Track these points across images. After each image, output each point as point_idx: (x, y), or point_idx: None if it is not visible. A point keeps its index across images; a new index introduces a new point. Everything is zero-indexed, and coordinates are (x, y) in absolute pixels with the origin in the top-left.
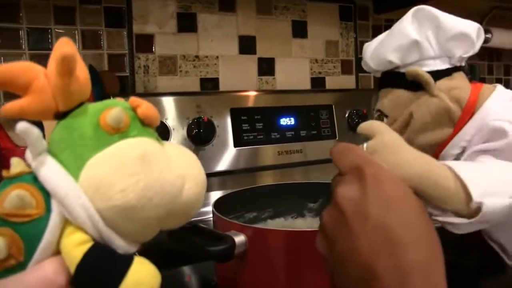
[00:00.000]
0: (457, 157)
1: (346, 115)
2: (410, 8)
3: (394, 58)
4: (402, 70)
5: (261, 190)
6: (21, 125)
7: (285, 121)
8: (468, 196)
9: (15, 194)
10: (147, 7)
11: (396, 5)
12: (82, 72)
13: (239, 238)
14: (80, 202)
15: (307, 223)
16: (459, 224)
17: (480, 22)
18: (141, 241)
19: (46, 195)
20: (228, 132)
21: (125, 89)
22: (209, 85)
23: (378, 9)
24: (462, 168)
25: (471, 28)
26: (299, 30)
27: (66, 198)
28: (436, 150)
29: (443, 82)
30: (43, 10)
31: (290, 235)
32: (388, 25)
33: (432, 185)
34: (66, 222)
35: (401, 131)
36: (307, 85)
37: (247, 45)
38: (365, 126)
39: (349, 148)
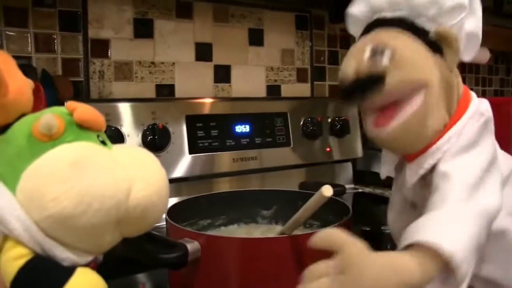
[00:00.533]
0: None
1: (301, 122)
2: None
3: (447, 3)
4: (424, 25)
5: (215, 197)
6: None
7: (241, 128)
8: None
9: None
10: (103, 12)
11: None
12: (17, 83)
13: (192, 246)
14: (15, 215)
15: (261, 230)
16: None
17: None
18: (96, 251)
19: None
20: (183, 139)
21: (79, 95)
22: (165, 91)
23: (333, 18)
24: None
25: (480, 38)
26: (256, 38)
27: (1, 211)
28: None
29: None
30: None
31: (244, 242)
32: (343, 34)
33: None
34: (5, 237)
35: (406, 91)
36: (263, 93)
37: (203, 52)
38: (322, 238)
39: None
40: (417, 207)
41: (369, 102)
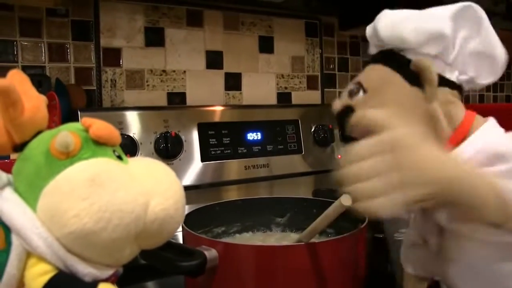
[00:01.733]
0: None
1: (312, 130)
2: None
3: (412, 38)
4: (408, 56)
5: (230, 205)
6: None
7: (252, 135)
8: None
9: None
10: (115, 21)
11: (360, 22)
12: (32, 101)
13: (211, 253)
14: (37, 232)
15: (275, 238)
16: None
17: None
18: (116, 265)
19: (7, 229)
20: (195, 146)
21: (92, 103)
22: (176, 99)
23: (343, 25)
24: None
25: (502, 57)
26: (266, 46)
27: (23, 230)
28: None
29: (443, 92)
30: (8, 21)
31: (261, 250)
32: (353, 41)
33: (464, 191)
34: (29, 254)
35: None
36: (273, 100)
37: (214, 60)
38: (368, 117)
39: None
40: (427, 242)
41: (351, 131)
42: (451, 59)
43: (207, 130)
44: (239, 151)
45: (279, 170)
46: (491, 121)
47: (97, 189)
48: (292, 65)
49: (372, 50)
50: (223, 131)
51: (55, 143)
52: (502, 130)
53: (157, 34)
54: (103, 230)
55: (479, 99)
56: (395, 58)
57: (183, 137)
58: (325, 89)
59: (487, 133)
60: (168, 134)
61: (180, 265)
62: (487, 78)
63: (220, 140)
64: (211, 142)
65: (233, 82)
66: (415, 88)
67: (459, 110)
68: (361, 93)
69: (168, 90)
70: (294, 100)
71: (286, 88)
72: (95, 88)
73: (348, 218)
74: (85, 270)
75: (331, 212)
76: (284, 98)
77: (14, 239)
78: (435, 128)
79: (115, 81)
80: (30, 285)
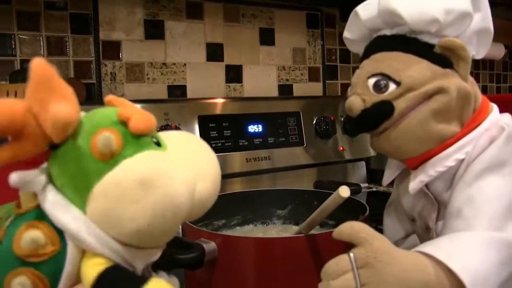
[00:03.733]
0: (458, 165)
1: (314, 122)
2: None
3: (442, 18)
4: (424, 39)
5: (230, 197)
6: (13, 179)
7: (253, 128)
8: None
9: (29, 237)
10: (114, 14)
11: None
12: (73, 103)
13: (209, 246)
14: (94, 234)
15: (276, 230)
16: None
17: None
18: (163, 245)
19: (59, 229)
20: None
21: (92, 97)
22: (177, 92)
23: (345, 17)
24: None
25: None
26: (267, 38)
27: (80, 233)
28: (435, 148)
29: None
30: (5, 14)
31: (260, 242)
32: None
33: None
34: (84, 251)
35: (415, 104)
36: (275, 92)
37: (214, 52)
38: (345, 231)
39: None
40: (415, 221)
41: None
42: (468, 35)
43: (208, 123)
44: (240, 144)
45: (280, 163)
46: (495, 106)
47: (148, 190)
48: (293, 57)
49: (360, 33)
50: (224, 124)
51: (97, 145)
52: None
53: (157, 27)
54: (158, 225)
55: (482, 89)
56: (414, 44)
57: (183, 130)
58: (327, 81)
59: (497, 116)
60: (169, 127)
61: (178, 258)
62: (481, 53)
63: (221, 132)
64: (212, 135)
65: (234, 74)
66: (447, 69)
67: (479, 93)
68: (392, 85)
69: (168, 83)
70: (296, 92)
71: (287, 80)
72: (94, 81)
73: (349, 209)
74: (139, 258)
75: (329, 203)
76: (285, 90)
77: (68, 239)
78: (465, 105)
79: (115, 74)
80: (85, 274)
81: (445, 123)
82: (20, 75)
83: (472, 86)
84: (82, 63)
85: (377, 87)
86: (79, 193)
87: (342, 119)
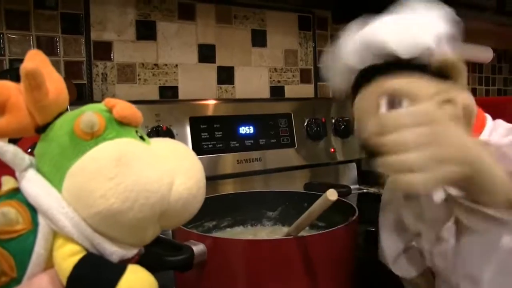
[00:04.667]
0: None
1: (305, 123)
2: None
3: (434, 44)
4: (421, 61)
5: (221, 199)
6: (4, 148)
7: (244, 129)
8: None
9: (0, 213)
10: (105, 14)
11: (354, 15)
12: (54, 83)
13: (198, 248)
14: (63, 212)
15: (266, 232)
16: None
17: None
18: (140, 244)
19: (33, 210)
20: (187, 140)
21: (83, 97)
22: (168, 93)
23: (337, 19)
24: None
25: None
26: (259, 39)
27: (50, 210)
28: None
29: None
30: None
31: (249, 244)
32: None
33: (485, 171)
34: (56, 234)
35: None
36: (266, 94)
37: (206, 53)
38: (402, 84)
39: None
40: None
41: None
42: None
43: (199, 124)
44: (232, 145)
45: (272, 164)
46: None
47: (123, 169)
48: (285, 58)
49: (356, 60)
50: (215, 125)
51: (80, 124)
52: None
53: (148, 28)
54: (129, 210)
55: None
56: (408, 66)
57: (174, 131)
58: (318, 83)
59: (492, 122)
60: (160, 128)
61: (167, 260)
62: None
63: (212, 134)
64: (203, 136)
65: (225, 76)
66: (447, 85)
67: (473, 103)
68: (405, 102)
69: (160, 84)
70: (287, 94)
71: (279, 81)
72: (85, 82)
73: (339, 211)
74: (111, 249)
75: (317, 206)
76: (277, 92)
77: (41, 220)
78: (468, 118)
79: (106, 74)
80: (60, 265)
81: None
82: (9, 75)
83: (470, 96)
84: (73, 64)
85: (391, 106)
86: (57, 172)
87: (333, 120)
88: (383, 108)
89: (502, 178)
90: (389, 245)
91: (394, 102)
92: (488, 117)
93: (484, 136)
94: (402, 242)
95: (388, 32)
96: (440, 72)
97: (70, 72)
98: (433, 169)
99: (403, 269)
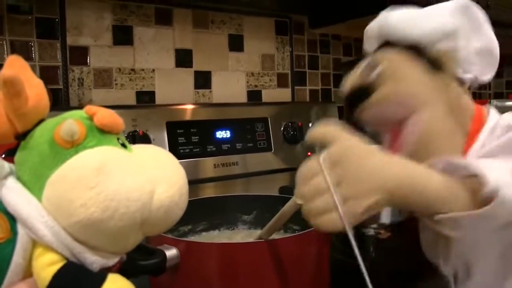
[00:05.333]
0: None
1: (282, 127)
2: (344, 24)
3: (427, 36)
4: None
5: (196, 203)
6: None
7: (221, 134)
8: (478, 186)
9: None
10: (81, 19)
11: (330, 20)
12: (34, 89)
13: (171, 252)
14: (43, 221)
15: (241, 236)
16: (462, 221)
17: None
18: (121, 252)
19: (12, 219)
20: (164, 145)
21: (59, 102)
22: (145, 98)
23: (313, 24)
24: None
25: (498, 51)
26: (236, 44)
27: (29, 219)
28: None
29: (455, 86)
30: None
31: (221, 247)
32: (322, 39)
33: (416, 190)
34: (35, 244)
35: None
36: (244, 98)
37: (183, 58)
38: (318, 133)
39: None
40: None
41: (362, 115)
42: (457, 57)
43: (176, 129)
44: (209, 150)
45: (249, 168)
46: (491, 109)
47: (104, 178)
48: (262, 63)
49: (372, 45)
50: (192, 130)
51: (60, 132)
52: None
53: (125, 33)
54: (110, 219)
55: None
56: (416, 47)
57: (151, 136)
58: (296, 87)
59: (499, 117)
60: (136, 133)
61: (139, 264)
62: (487, 74)
63: (189, 138)
64: (180, 141)
65: (202, 80)
66: (436, 77)
67: (471, 102)
68: (376, 71)
69: (137, 89)
70: (265, 98)
71: (256, 86)
72: (61, 87)
73: None
74: (92, 258)
75: (286, 210)
76: (254, 96)
77: (20, 229)
78: (459, 114)
79: (83, 80)
80: (39, 275)
81: (448, 139)
82: None
83: (459, 99)
84: (48, 68)
85: (365, 70)
86: (37, 181)
87: (310, 124)
88: (359, 69)
89: (438, 185)
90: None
91: (369, 66)
92: (491, 114)
93: (480, 140)
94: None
95: (402, 17)
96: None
97: (46, 77)
98: (349, 205)
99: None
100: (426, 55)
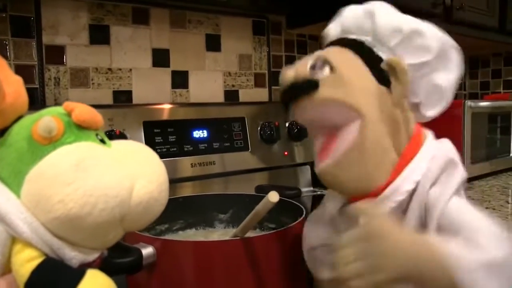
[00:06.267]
0: (408, 197)
1: (259, 127)
2: (321, 24)
3: (406, 29)
4: (379, 53)
5: (172, 202)
6: None
7: (198, 133)
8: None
9: None
10: (57, 18)
11: (307, 21)
12: (12, 86)
13: (147, 250)
14: (22, 218)
15: (217, 234)
16: None
17: None
18: (101, 248)
19: None
20: None
21: (35, 102)
22: (122, 97)
23: (290, 24)
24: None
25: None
26: (213, 44)
27: (8, 216)
28: (377, 186)
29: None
30: None
31: (197, 245)
32: (300, 39)
33: (424, 270)
34: (14, 240)
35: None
36: (221, 98)
37: (160, 58)
38: (355, 208)
39: None
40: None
41: (300, 111)
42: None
43: (153, 129)
44: (186, 149)
45: (226, 167)
46: (430, 132)
47: (82, 174)
48: (239, 63)
49: (335, 31)
50: (169, 129)
51: (38, 128)
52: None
53: (102, 32)
54: (88, 215)
55: None
56: (367, 51)
57: (128, 136)
58: (273, 87)
59: (434, 143)
60: (113, 133)
61: (115, 262)
62: (431, 110)
63: (166, 138)
64: (157, 140)
65: (180, 80)
66: (382, 87)
67: (413, 121)
68: (327, 70)
69: (113, 88)
70: (242, 98)
71: (233, 86)
72: (37, 86)
73: (288, 212)
74: (71, 254)
75: (260, 208)
76: (231, 96)
77: None
78: (396, 131)
79: (59, 79)
80: (18, 271)
81: (380, 152)
82: None
83: (402, 112)
84: (24, 67)
85: (312, 67)
86: (15, 177)
87: (287, 124)
88: (309, 64)
89: (440, 270)
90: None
91: (317, 63)
92: (428, 137)
93: (414, 163)
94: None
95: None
96: (386, 73)
97: (21, 76)
98: (368, 276)
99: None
100: (379, 64)
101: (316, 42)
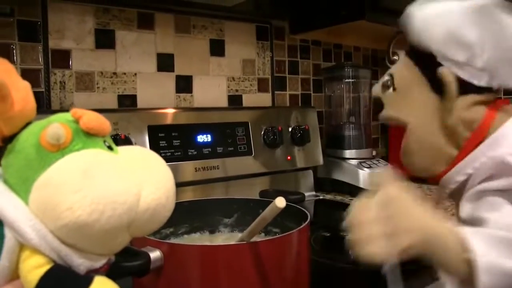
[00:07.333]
0: (461, 185)
1: (262, 132)
2: (324, 30)
3: (440, 46)
4: (438, 59)
5: (178, 206)
6: None
7: (202, 138)
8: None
9: None
10: (63, 22)
11: (311, 26)
12: (20, 92)
13: (154, 254)
14: (30, 225)
15: (222, 238)
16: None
17: (388, 46)
18: (108, 253)
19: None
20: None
21: (40, 106)
22: (127, 102)
23: (294, 29)
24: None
25: None
26: (217, 49)
27: (16, 223)
28: (437, 174)
29: (466, 99)
30: None
31: (204, 249)
32: (303, 45)
33: (435, 243)
34: (22, 247)
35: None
36: (224, 103)
37: (165, 62)
38: (376, 178)
39: None
40: None
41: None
42: (479, 65)
43: (158, 133)
44: (190, 153)
45: (230, 172)
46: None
47: (90, 181)
48: (243, 68)
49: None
50: (173, 134)
51: (46, 136)
52: None
53: (107, 36)
54: (96, 222)
55: None
56: (425, 60)
57: (133, 140)
58: (276, 92)
59: (503, 135)
60: (118, 137)
61: (123, 265)
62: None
63: (171, 142)
64: (161, 144)
65: (184, 84)
66: (436, 95)
67: (479, 113)
68: (391, 89)
69: (118, 92)
70: (245, 103)
71: (237, 90)
72: (43, 90)
73: (293, 217)
74: (79, 260)
75: (267, 213)
76: (235, 101)
77: (7, 232)
78: (452, 131)
79: (65, 83)
80: (26, 278)
81: (424, 156)
82: None
83: (464, 111)
84: (30, 71)
85: (383, 85)
86: (23, 184)
87: (290, 129)
88: (380, 82)
89: (454, 248)
90: None
91: (387, 83)
92: (508, 123)
93: (473, 155)
94: None
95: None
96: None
97: (27, 80)
98: (385, 240)
99: None
100: (434, 72)
101: (319, 47)
